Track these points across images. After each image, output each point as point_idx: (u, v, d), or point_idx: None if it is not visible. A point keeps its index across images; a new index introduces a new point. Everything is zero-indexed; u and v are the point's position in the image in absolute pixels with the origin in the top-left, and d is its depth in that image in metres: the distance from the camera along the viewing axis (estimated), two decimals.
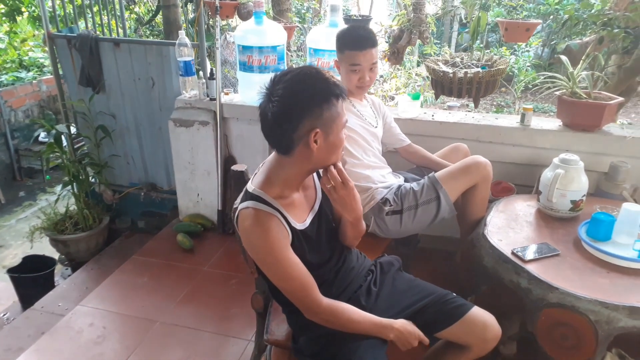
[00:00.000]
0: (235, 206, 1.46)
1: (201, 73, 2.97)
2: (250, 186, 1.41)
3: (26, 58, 6.11)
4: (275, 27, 2.76)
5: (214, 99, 2.87)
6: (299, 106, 1.28)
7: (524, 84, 6.44)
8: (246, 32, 2.72)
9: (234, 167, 1.71)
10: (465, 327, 1.50)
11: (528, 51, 6.83)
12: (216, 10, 2.77)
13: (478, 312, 1.53)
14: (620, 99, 2.36)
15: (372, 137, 2.25)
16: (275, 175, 1.39)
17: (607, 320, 1.54)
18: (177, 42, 2.82)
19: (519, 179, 2.53)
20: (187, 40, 2.82)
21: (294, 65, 4.43)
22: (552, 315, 1.63)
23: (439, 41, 7.83)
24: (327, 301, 1.39)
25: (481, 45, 7.30)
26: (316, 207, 1.52)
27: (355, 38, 2.11)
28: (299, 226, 1.42)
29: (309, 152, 1.33)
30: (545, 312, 1.64)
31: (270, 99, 1.29)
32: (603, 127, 2.43)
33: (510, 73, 7.01)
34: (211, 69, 2.88)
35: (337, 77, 2.63)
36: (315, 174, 1.55)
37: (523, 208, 2.15)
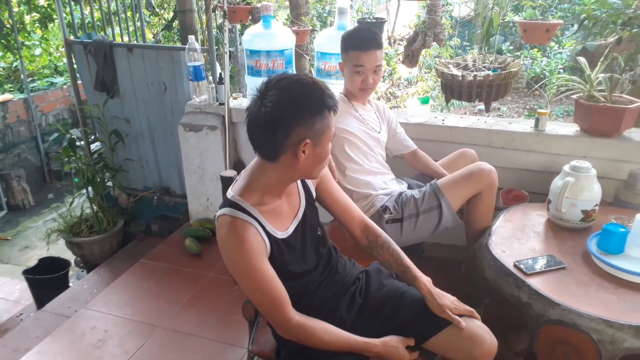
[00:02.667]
0: (216, 213, 1.43)
1: (210, 78, 2.96)
2: (230, 192, 1.38)
3: (61, 64, 6.32)
4: (283, 31, 2.74)
5: (223, 104, 2.86)
6: (294, 114, 1.25)
7: (556, 87, 6.21)
8: (253, 36, 2.70)
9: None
10: (449, 340, 1.40)
11: (561, 53, 6.59)
12: (224, 15, 2.77)
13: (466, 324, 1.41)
14: None
15: (374, 143, 2.19)
16: (256, 181, 1.36)
17: (611, 340, 1.44)
18: (186, 47, 2.83)
19: (534, 187, 2.42)
20: (196, 45, 2.83)
21: (311, 69, 4.40)
22: (552, 333, 1.53)
23: (468, 44, 7.66)
24: (298, 319, 1.34)
25: (511, 47, 7.12)
26: (300, 214, 1.48)
27: (359, 39, 2.07)
28: (280, 235, 1.38)
29: (295, 161, 1.30)
30: (546, 329, 1.55)
31: (264, 102, 1.26)
32: (623, 132, 2.29)
33: (542, 76, 6.79)
34: (220, 74, 2.87)
35: (334, 82, 2.58)
36: (299, 181, 1.51)
37: (532, 217, 2.04)
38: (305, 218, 1.48)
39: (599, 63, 2.21)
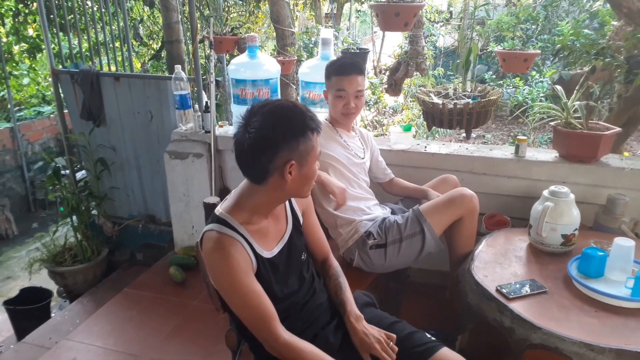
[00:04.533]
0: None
1: (197, 106, 3.00)
2: (218, 209, 1.41)
3: (48, 93, 6.34)
4: (268, 61, 2.78)
5: (209, 132, 2.89)
6: (277, 137, 1.30)
7: (538, 114, 6.32)
8: (239, 65, 2.74)
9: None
10: None
11: (542, 81, 6.75)
12: (211, 45, 2.82)
13: (443, 356, 1.42)
14: (617, 129, 2.28)
15: (358, 169, 2.22)
16: (245, 201, 1.39)
17: None
18: (173, 76, 2.87)
19: (516, 212, 2.45)
20: (183, 75, 2.87)
21: (297, 98, 4.47)
22: (535, 357, 1.54)
23: (453, 73, 7.82)
24: (287, 336, 1.35)
25: (493, 76, 7.28)
26: (286, 237, 1.50)
27: (341, 64, 2.16)
28: (266, 254, 1.40)
29: (282, 182, 1.34)
30: (529, 354, 1.55)
31: (247, 129, 1.30)
32: (600, 158, 2.35)
33: (524, 104, 6.94)
34: (206, 102, 2.90)
35: (318, 110, 2.65)
36: (287, 203, 1.54)
37: (514, 242, 2.06)
38: (291, 241, 1.51)
39: (575, 91, 2.28)
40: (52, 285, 3.34)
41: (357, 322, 1.49)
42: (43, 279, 3.45)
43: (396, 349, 1.44)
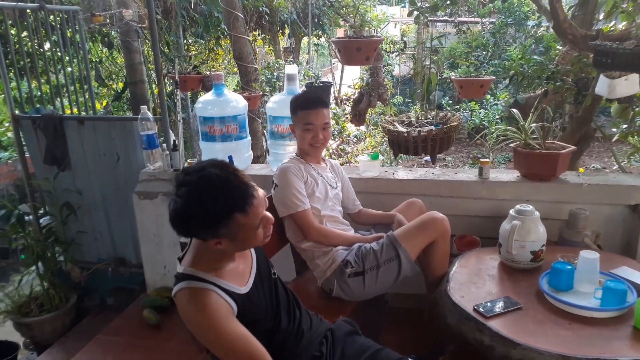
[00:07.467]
0: (172, 295, 1.39)
1: (164, 145, 2.99)
2: (180, 267, 1.38)
3: (5, 138, 6.17)
4: (235, 97, 2.83)
5: (178, 169, 2.88)
6: (197, 220, 1.25)
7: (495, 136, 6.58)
8: (206, 103, 2.77)
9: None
10: None
11: (496, 104, 7.05)
12: (176, 85, 2.84)
13: None
14: (573, 147, 2.41)
15: (333, 199, 2.26)
16: (203, 254, 1.37)
17: None
18: (139, 116, 2.86)
19: (484, 232, 2.53)
20: (149, 115, 2.87)
21: (264, 132, 4.51)
22: None
23: (410, 100, 8.08)
24: None
25: (450, 101, 7.55)
26: (254, 266, 1.50)
27: (307, 99, 2.22)
28: (243, 290, 1.39)
29: (220, 246, 1.31)
30: None
31: (175, 195, 1.26)
32: (559, 175, 2.47)
33: (481, 126, 7.22)
34: (174, 141, 2.90)
35: (288, 143, 2.69)
36: None
37: (486, 262, 2.13)
38: (259, 267, 1.50)
39: (530, 114, 2.41)
40: (17, 338, 3.19)
41: None
42: (8, 332, 3.29)
43: None
